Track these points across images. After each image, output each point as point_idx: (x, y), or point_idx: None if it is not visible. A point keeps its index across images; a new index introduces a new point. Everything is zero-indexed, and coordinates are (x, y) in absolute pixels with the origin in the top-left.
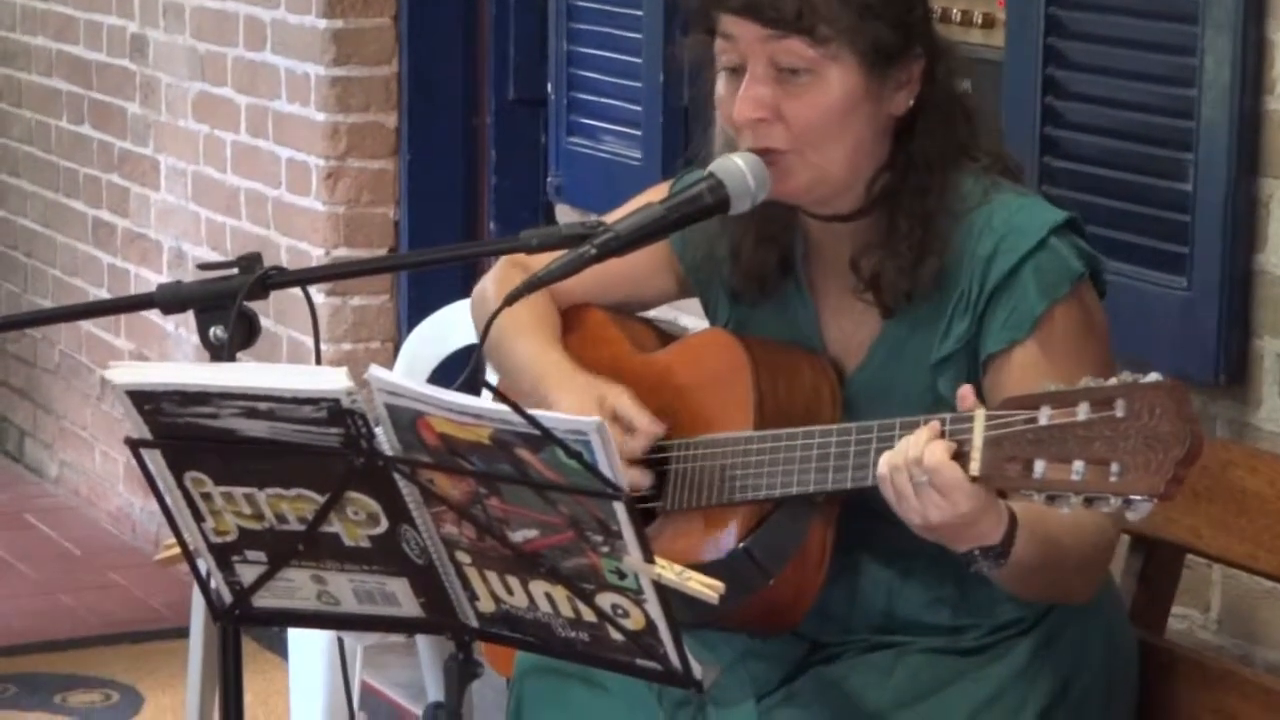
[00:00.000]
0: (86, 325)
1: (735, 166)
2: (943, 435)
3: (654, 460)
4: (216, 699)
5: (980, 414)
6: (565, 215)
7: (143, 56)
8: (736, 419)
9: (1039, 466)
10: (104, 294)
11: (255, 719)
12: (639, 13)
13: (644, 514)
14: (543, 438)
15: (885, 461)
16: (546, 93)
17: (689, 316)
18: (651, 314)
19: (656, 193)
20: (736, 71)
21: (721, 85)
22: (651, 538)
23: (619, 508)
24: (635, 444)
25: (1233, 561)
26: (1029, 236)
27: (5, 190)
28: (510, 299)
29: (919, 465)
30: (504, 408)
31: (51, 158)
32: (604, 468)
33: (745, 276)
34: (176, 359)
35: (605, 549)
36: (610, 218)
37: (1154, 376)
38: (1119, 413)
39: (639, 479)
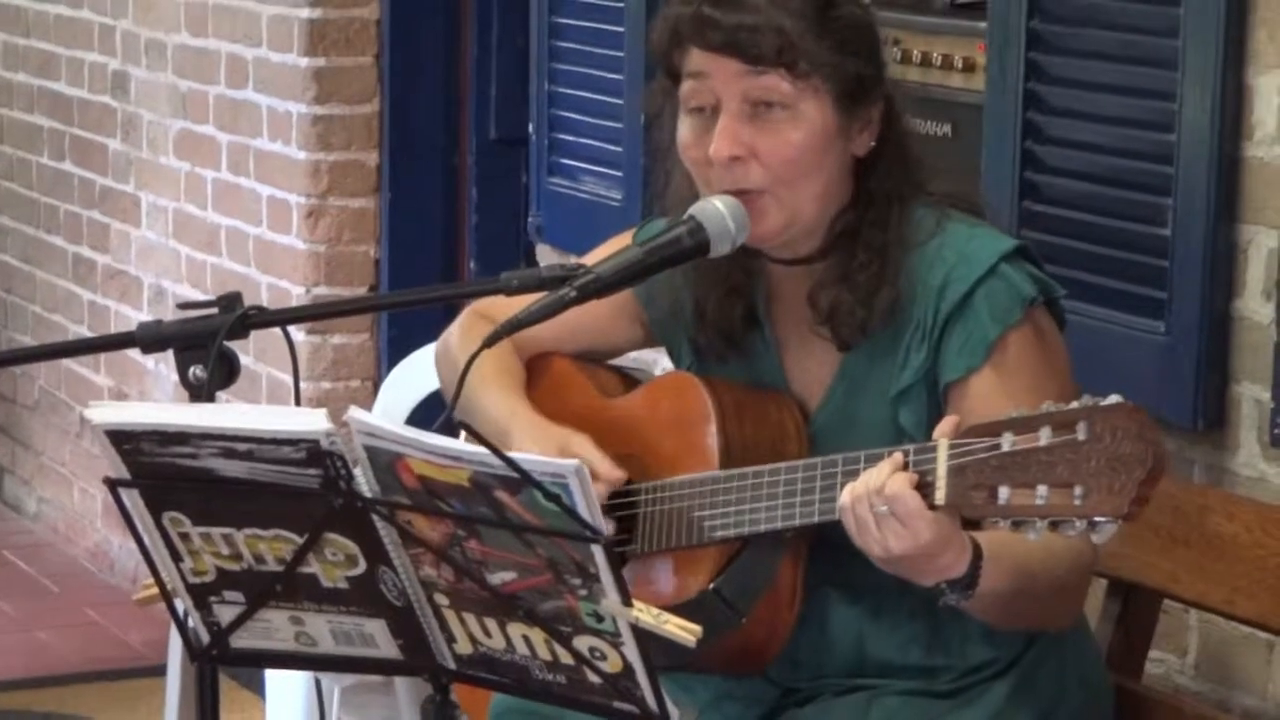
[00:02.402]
0: (66, 362)
1: (715, 209)
2: (906, 466)
3: (623, 504)
4: None
5: (943, 443)
6: (545, 255)
7: (124, 93)
8: (703, 460)
9: (1003, 493)
10: (84, 330)
11: None
12: (620, 54)
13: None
14: (521, 480)
15: (847, 491)
16: (527, 133)
17: (668, 360)
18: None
19: (621, 241)
20: (703, 112)
21: (687, 129)
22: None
23: (597, 551)
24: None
25: (1210, 606)
26: (979, 264)
27: None
28: (490, 340)
29: (880, 495)
30: (483, 450)
31: (32, 194)
32: (582, 510)
33: (711, 332)
34: (156, 396)
35: (583, 592)
36: (589, 258)
37: (1114, 398)
38: (1080, 435)
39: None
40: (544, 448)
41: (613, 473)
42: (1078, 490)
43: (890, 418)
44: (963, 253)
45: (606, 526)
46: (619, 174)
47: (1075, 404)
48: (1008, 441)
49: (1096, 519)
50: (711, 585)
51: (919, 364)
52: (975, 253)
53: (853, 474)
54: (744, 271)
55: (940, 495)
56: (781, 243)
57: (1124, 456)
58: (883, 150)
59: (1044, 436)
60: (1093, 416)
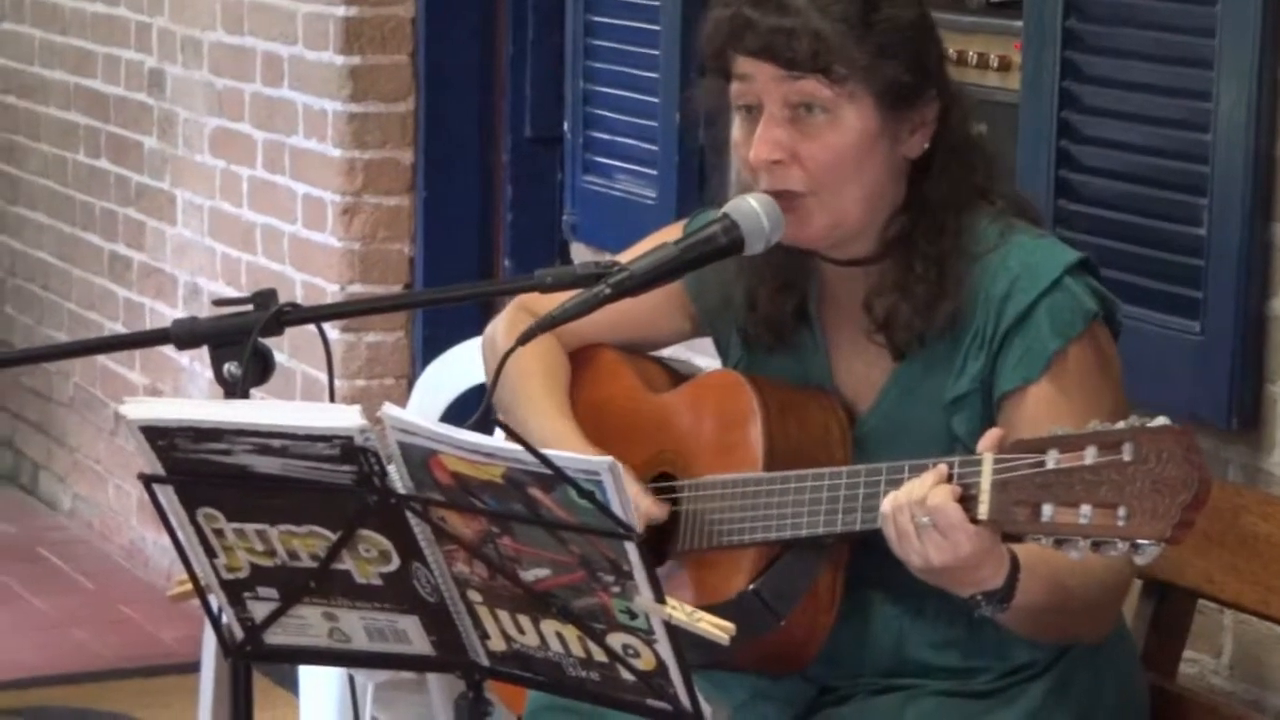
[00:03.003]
0: (101, 359)
1: (750, 207)
2: (951, 478)
3: (664, 500)
4: None
5: (988, 457)
6: (580, 254)
7: (160, 91)
8: (747, 460)
9: (1047, 510)
10: (119, 328)
11: None
12: (656, 52)
13: (655, 554)
14: (555, 477)
15: (889, 500)
16: (563, 131)
17: (703, 356)
18: (664, 352)
19: (670, 233)
20: (752, 111)
21: (737, 128)
22: (662, 579)
23: (630, 548)
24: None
25: (1245, 607)
26: (1044, 277)
27: (22, 223)
28: (524, 338)
29: (922, 506)
30: (517, 446)
31: (68, 191)
32: (616, 507)
33: (761, 324)
34: (191, 394)
35: (616, 589)
36: (623, 257)
37: (1161, 420)
38: (1126, 456)
39: (656, 511)
40: None
41: (654, 509)
42: (1121, 511)
43: (943, 424)
44: (1027, 264)
45: (656, 507)
46: (654, 172)
47: (1122, 424)
48: (1052, 459)
49: (1139, 541)
50: (751, 586)
51: (976, 372)
52: (1040, 265)
53: (896, 484)
54: (798, 268)
55: (983, 509)
56: (829, 244)
57: (1169, 479)
58: (938, 153)
59: (1089, 455)
60: (1139, 437)
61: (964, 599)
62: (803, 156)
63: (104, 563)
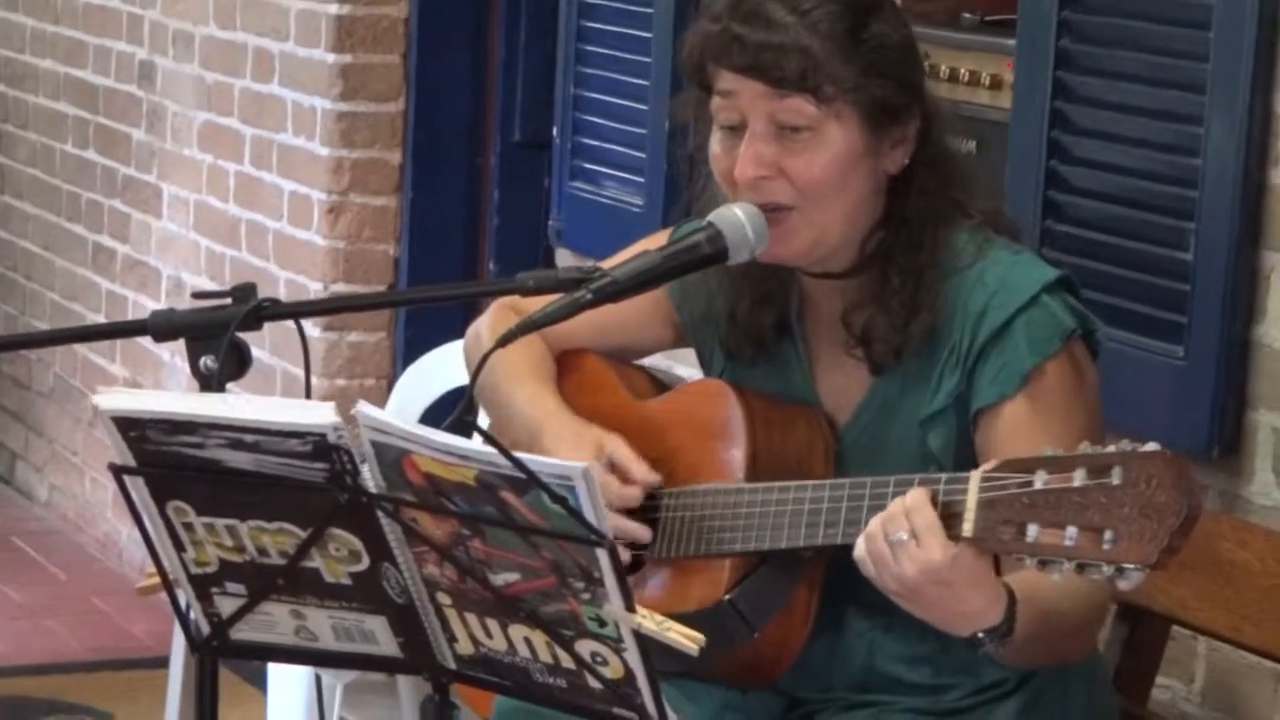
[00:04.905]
0: (82, 350)
1: (735, 217)
2: (936, 496)
3: (645, 507)
4: None
5: (975, 475)
6: (565, 259)
7: (150, 84)
8: (729, 470)
9: (1032, 530)
10: (101, 319)
11: None
12: (647, 60)
13: (632, 560)
14: (527, 481)
15: (861, 540)
16: (552, 136)
17: (684, 366)
18: (646, 361)
19: (656, 240)
20: (734, 129)
21: (717, 143)
22: (638, 585)
23: (602, 555)
24: (630, 493)
25: (1218, 634)
26: (1021, 293)
27: (8, 212)
28: (504, 340)
29: (894, 521)
30: (490, 449)
31: (55, 181)
32: (589, 514)
33: (742, 337)
34: (171, 388)
35: (586, 596)
36: (608, 264)
37: (1152, 446)
38: (1115, 480)
39: (639, 532)
40: (578, 446)
41: (648, 476)
42: (1108, 535)
43: (919, 441)
44: (1005, 280)
45: (647, 532)
46: (641, 180)
47: (1113, 448)
48: (1040, 480)
49: (1125, 565)
50: (727, 596)
51: (951, 388)
52: (1018, 281)
53: (880, 498)
54: (777, 280)
55: (968, 527)
56: (810, 261)
57: (1158, 505)
58: (917, 168)
59: (1078, 478)
60: (1129, 462)
61: (965, 640)
62: (788, 171)
63: (78, 554)
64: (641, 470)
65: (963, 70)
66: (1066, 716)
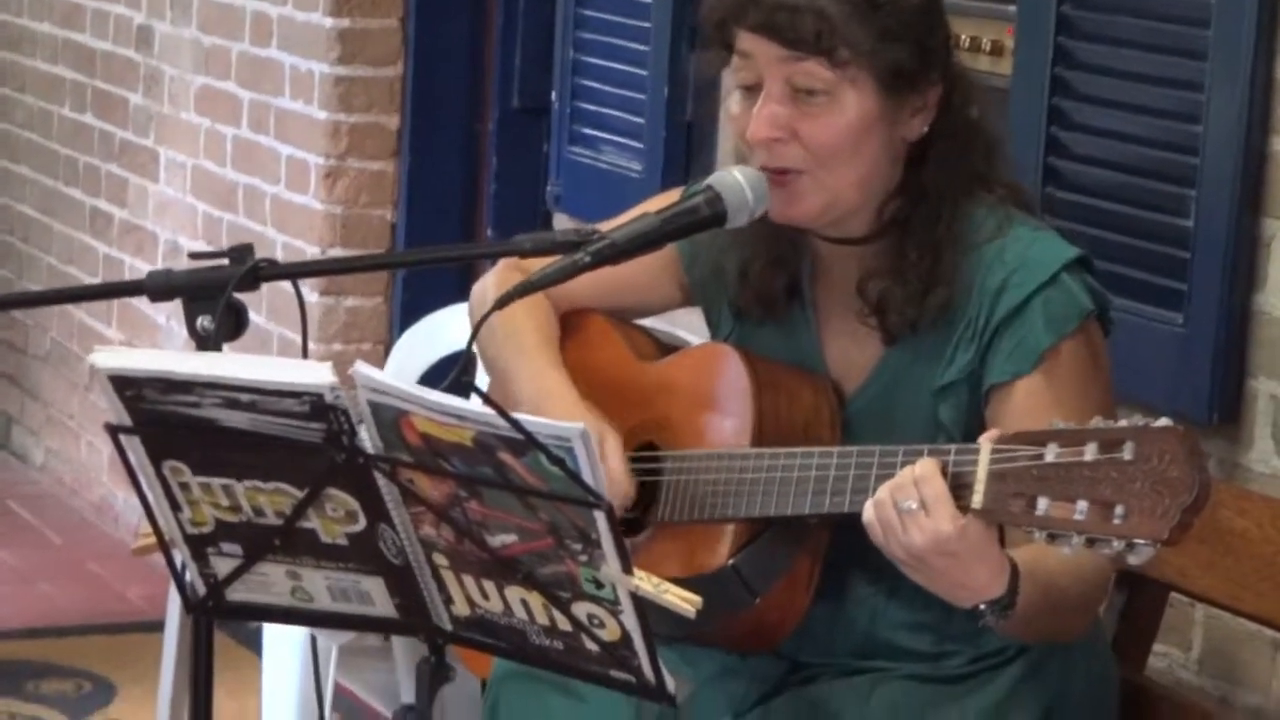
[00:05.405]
0: (78, 314)
1: (734, 180)
2: (946, 467)
3: (647, 470)
4: (189, 693)
5: (986, 446)
6: (563, 225)
7: (148, 47)
8: (734, 435)
9: (1042, 504)
10: (98, 283)
11: (227, 714)
12: (647, 24)
13: (633, 523)
14: (526, 442)
15: (870, 505)
16: (550, 102)
17: (686, 330)
18: (647, 322)
19: (665, 199)
20: (752, 90)
21: (735, 103)
22: (641, 548)
23: (599, 517)
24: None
25: (1216, 602)
26: (1040, 271)
27: (5, 176)
28: (502, 301)
29: (904, 490)
30: (488, 410)
31: (52, 145)
32: (586, 475)
33: (752, 297)
34: (167, 351)
35: (584, 558)
36: (611, 224)
37: (1164, 421)
38: (1127, 455)
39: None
40: None
41: (626, 487)
42: (1119, 510)
43: (929, 412)
44: (1024, 257)
45: (630, 488)
46: (640, 145)
47: (1124, 422)
48: (1052, 453)
49: (1135, 540)
50: (731, 562)
51: (965, 363)
52: (1037, 259)
53: (889, 469)
54: (790, 243)
55: (978, 499)
56: (824, 223)
57: (1170, 480)
58: (937, 138)
59: (1090, 452)
60: (1141, 437)
61: (967, 611)
62: (802, 135)
63: (73, 518)
64: (621, 477)
65: (963, 36)
66: (1066, 685)
